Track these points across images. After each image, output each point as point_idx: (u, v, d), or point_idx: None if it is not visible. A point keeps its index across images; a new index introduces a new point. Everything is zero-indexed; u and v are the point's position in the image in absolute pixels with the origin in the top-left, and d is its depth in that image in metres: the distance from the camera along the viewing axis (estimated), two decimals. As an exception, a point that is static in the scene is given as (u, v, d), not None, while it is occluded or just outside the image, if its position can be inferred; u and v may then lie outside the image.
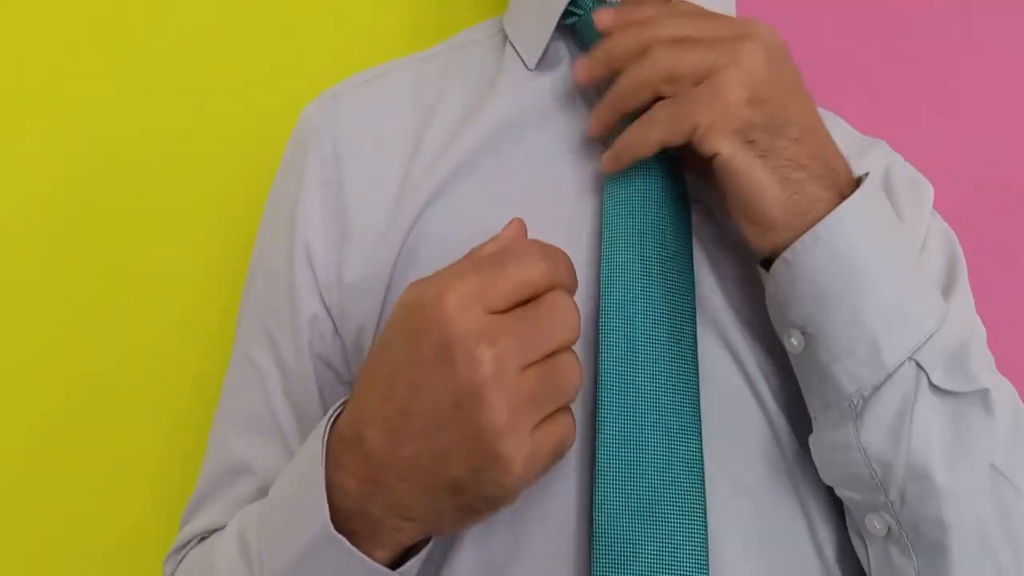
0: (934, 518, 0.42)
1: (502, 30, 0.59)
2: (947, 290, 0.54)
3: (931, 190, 0.58)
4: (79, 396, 0.73)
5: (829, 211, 0.43)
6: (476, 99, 0.55)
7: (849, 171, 0.45)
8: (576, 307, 0.41)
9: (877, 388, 0.42)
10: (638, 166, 0.48)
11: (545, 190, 0.51)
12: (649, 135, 0.45)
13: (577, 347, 0.42)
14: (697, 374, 0.46)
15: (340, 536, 0.41)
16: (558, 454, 0.41)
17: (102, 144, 0.74)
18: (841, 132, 0.58)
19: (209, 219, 0.75)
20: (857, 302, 0.42)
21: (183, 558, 0.54)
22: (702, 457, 0.45)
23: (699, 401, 0.46)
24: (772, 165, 0.43)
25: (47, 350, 0.73)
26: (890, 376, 0.42)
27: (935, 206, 0.58)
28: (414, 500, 0.41)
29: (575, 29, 0.54)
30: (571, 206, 0.50)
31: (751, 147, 0.43)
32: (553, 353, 0.41)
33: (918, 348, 0.42)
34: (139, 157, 0.74)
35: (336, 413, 0.44)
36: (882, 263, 0.43)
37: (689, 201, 0.50)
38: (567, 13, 0.54)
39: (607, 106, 0.47)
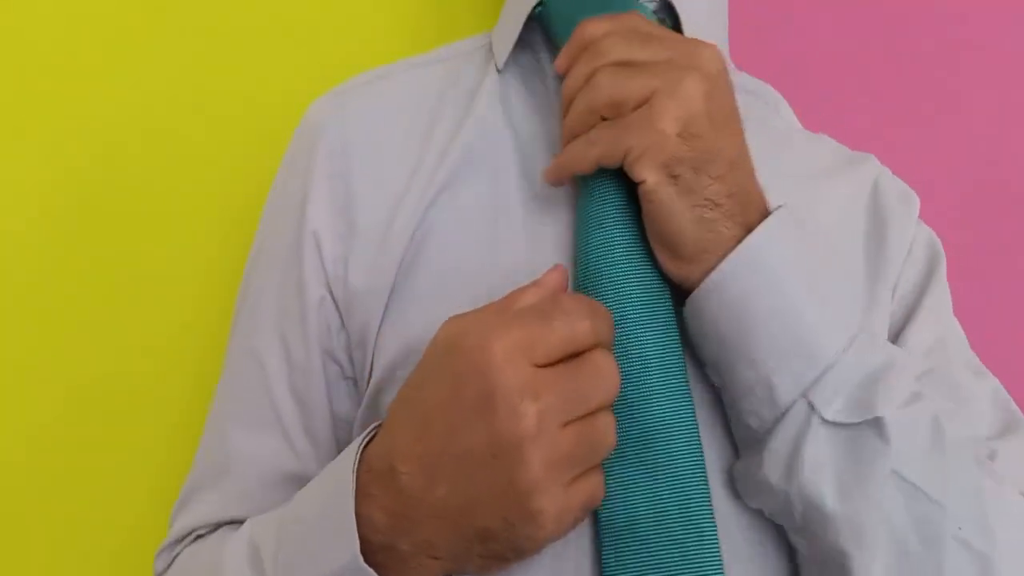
0: (833, 545, 0.44)
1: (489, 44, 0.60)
2: (920, 290, 0.55)
3: (918, 201, 0.59)
4: (79, 396, 0.73)
5: (733, 249, 0.44)
6: (467, 106, 0.55)
7: (763, 204, 0.46)
8: (616, 368, 0.42)
9: (774, 424, 0.44)
10: (604, 181, 0.49)
11: (539, 197, 0.52)
12: (587, 153, 0.46)
13: None
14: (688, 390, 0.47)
15: (370, 569, 0.41)
16: (587, 509, 0.42)
17: (102, 144, 0.74)
18: (828, 150, 0.60)
19: (209, 219, 0.74)
20: (750, 346, 0.44)
21: (177, 555, 0.54)
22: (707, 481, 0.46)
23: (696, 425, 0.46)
24: (690, 203, 0.44)
25: (47, 350, 0.73)
26: (784, 413, 0.44)
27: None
28: (443, 540, 0.41)
29: (540, 20, 0.55)
30: (565, 212, 0.51)
31: (674, 182, 0.44)
32: (593, 412, 0.41)
33: (810, 386, 0.43)
34: (139, 157, 0.74)
35: (366, 441, 0.44)
36: (777, 304, 0.44)
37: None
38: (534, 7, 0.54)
39: (565, 138, 0.48)
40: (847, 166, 0.58)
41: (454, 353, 0.41)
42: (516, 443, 0.39)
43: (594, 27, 0.48)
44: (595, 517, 0.45)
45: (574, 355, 0.41)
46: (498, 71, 0.56)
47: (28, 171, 0.72)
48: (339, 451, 0.54)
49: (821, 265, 0.46)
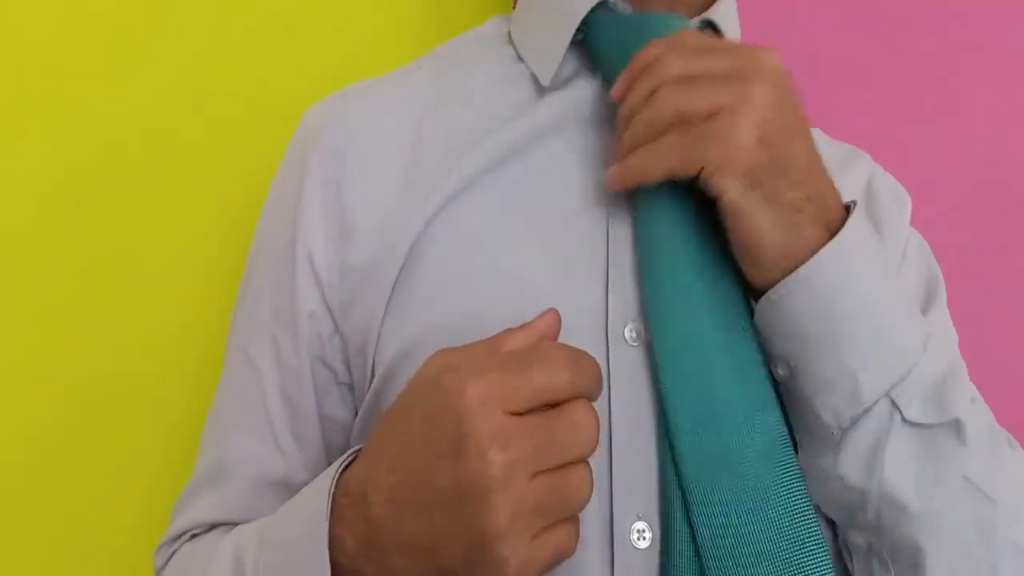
0: (909, 540, 0.45)
1: (505, 33, 0.59)
2: (924, 310, 0.55)
3: (910, 201, 0.59)
4: (78, 396, 0.73)
5: (818, 250, 0.44)
6: (488, 109, 0.55)
7: (839, 203, 0.47)
8: (596, 420, 0.41)
9: (854, 422, 0.45)
10: (664, 196, 0.48)
11: (559, 208, 0.51)
12: (660, 162, 0.46)
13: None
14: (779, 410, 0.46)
15: None
16: (556, 561, 0.41)
17: (102, 144, 0.73)
18: (822, 146, 0.59)
19: (209, 219, 0.74)
20: (836, 342, 0.44)
21: (175, 552, 0.54)
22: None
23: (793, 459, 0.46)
24: (775, 210, 0.45)
25: (46, 350, 0.72)
26: (867, 411, 0.44)
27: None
28: (407, 572, 0.41)
29: (586, 46, 0.54)
30: (586, 226, 0.51)
31: (757, 190, 0.44)
32: (566, 464, 0.40)
33: (894, 385, 0.44)
34: (139, 157, 0.74)
35: (345, 464, 0.44)
36: (864, 301, 0.45)
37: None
38: (578, 29, 0.54)
39: (624, 148, 0.48)
40: (841, 166, 0.58)
41: (435, 390, 0.41)
42: (482, 490, 0.38)
43: (650, 49, 0.48)
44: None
45: (553, 405, 0.41)
46: (543, 87, 0.55)
47: (27, 171, 0.72)
48: (329, 456, 0.55)
49: (889, 264, 0.48)
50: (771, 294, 0.45)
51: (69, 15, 0.73)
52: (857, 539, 0.47)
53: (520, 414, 0.40)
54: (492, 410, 0.39)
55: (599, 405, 0.44)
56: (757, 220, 0.45)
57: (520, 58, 0.56)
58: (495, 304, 0.49)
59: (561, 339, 0.48)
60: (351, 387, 0.54)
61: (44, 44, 0.73)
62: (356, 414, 0.54)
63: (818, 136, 0.61)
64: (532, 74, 0.55)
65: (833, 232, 0.45)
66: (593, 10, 0.53)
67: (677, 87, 0.45)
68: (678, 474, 0.45)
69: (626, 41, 0.51)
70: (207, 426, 0.58)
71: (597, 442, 0.41)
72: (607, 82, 0.53)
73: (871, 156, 0.62)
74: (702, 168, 0.44)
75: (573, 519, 0.42)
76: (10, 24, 0.72)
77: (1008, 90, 0.77)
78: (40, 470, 0.72)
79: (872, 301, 0.44)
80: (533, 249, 0.50)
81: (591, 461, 0.42)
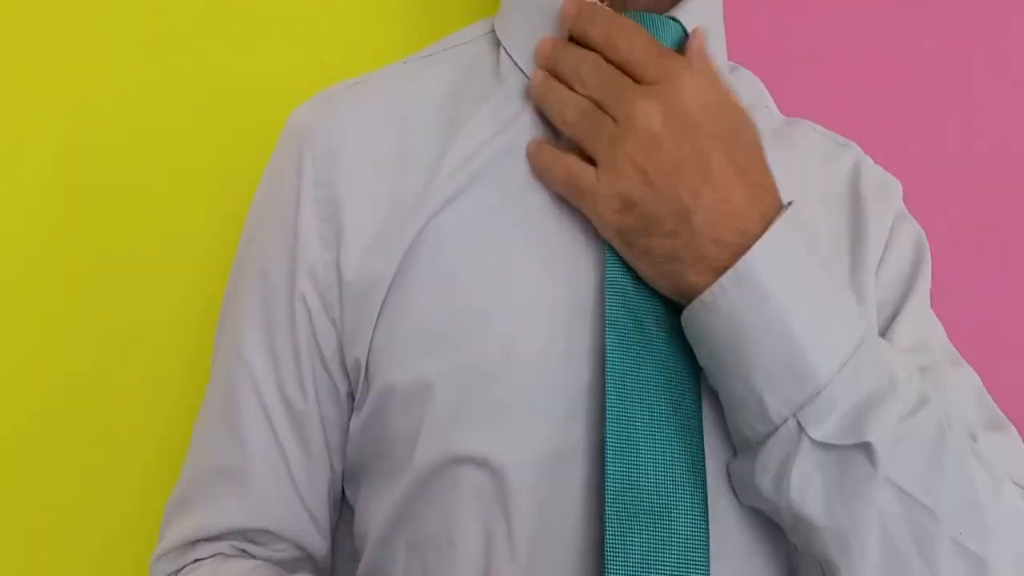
0: (822, 555, 0.45)
1: (492, 33, 0.59)
2: (902, 298, 0.56)
3: (899, 189, 0.59)
4: (68, 393, 0.72)
5: (706, 289, 0.45)
6: (477, 110, 0.54)
7: (752, 218, 0.46)
8: None
9: (766, 438, 0.45)
10: None
11: (552, 209, 0.51)
12: (550, 176, 0.51)
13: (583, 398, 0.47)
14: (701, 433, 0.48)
15: None
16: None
17: (96, 143, 0.73)
18: (809, 140, 0.60)
19: (208, 219, 0.74)
20: (744, 362, 0.45)
21: (183, 569, 0.54)
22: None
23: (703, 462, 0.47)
24: (649, 262, 0.47)
25: (34, 348, 0.72)
26: (775, 430, 0.45)
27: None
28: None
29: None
30: (580, 228, 0.51)
31: (629, 248, 0.48)
32: None
33: (802, 406, 0.44)
34: (136, 157, 0.73)
35: None
36: (770, 323, 0.44)
37: None
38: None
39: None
40: (826, 158, 0.59)
41: None
42: None
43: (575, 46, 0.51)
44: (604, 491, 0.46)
45: None
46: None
47: (20, 169, 0.72)
48: (331, 459, 0.55)
49: (823, 273, 0.47)
50: (684, 313, 0.47)
51: (69, 15, 0.73)
52: (793, 542, 0.48)
53: None
54: None
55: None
56: (639, 269, 0.48)
57: (510, 56, 0.56)
58: (488, 309, 0.49)
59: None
60: (349, 393, 0.54)
61: (43, 44, 0.72)
62: (352, 414, 0.54)
63: (804, 128, 0.61)
64: (521, 73, 0.55)
65: (720, 272, 0.45)
66: None
67: (575, 113, 0.49)
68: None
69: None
70: (199, 431, 0.57)
71: None
72: None
73: (870, 156, 0.62)
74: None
75: None
76: (10, 24, 0.72)
77: (1009, 90, 0.77)
78: (29, 469, 0.72)
79: (779, 323, 0.44)
80: (526, 252, 0.50)
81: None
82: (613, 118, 0.47)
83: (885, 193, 0.58)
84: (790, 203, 0.47)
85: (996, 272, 0.77)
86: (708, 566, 0.45)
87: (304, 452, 0.54)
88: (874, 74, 0.78)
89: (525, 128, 0.53)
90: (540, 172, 0.51)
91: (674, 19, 0.53)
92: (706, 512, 0.46)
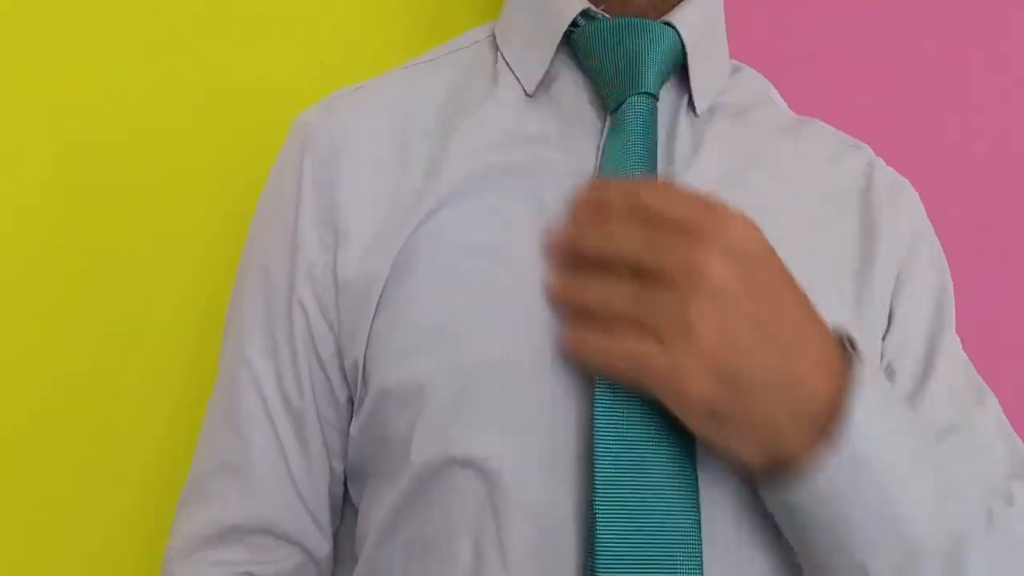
0: None
1: (492, 39, 0.59)
2: (932, 349, 0.54)
3: (913, 195, 0.58)
4: (68, 395, 0.72)
5: (811, 448, 0.41)
6: (476, 115, 0.55)
7: (828, 385, 0.42)
8: None
9: None
10: None
11: (548, 214, 0.51)
12: (609, 363, 0.45)
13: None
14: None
15: None
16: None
17: (96, 143, 0.73)
18: (819, 137, 0.59)
19: (201, 218, 0.74)
20: (842, 534, 0.42)
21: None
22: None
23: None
24: (744, 434, 0.43)
25: (38, 349, 0.72)
26: None
27: (934, 207, 0.58)
28: None
29: (571, 46, 0.55)
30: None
31: (720, 422, 0.43)
32: None
33: (903, 567, 0.42)
34: (133, 155, 0.73)
35: None
36: (871, 494, 0.41)
37: None
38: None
39: (573, 312, 0.47)
40: (838, 156, 0.58)
41: None
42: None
43: (606, 200, 0.46)
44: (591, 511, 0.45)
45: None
46: (528, 95, 0.55)
47: (26, 170, 0.72)
48: (330, 459, 0.55)
49: (909, 420, 0.44)
50: (768, 494, 0.44)
51: (69, 15, 0.73)
52: None
53: None
54: None
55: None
56: (729, 448, 0.43)
57: (507, 63, 0.57)
58: (481, 309, 0.49)
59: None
60: (349, 399, 0.54)
61: (43, 44, 0.72)
62: (352, 418, 0.54)
63: (815, 126, 0.60)
64: (518, 80, 0.56)
65: (831, 407, 0.41)
66: (580, 15, 0.54)
67: (631, 225, 0.43)
68: None
69: (608, 46, 0.52)
70: (205, 427, 0.58)
71: None
72: (592, 85, 0.54)
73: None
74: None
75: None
76: (10, 24, 0.72)
77: (1009, 90, 0.77)
78: (30, 467, 0.72)
79: (882, 490, 0.41)
80: (521, 255, 0.50)
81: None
82: (667, 282, 0.42)
83: (896, 196, 0.57)
84: (849, 338, 0.45)
85: (996, 272, 0.77)
86: (701, 568, 0.44)
87: (303, 452, 0.54)
88: (874, 74, 0.78)
89: (520, 133, 0.53)
90: (595, 366, 0.46)
91: (669, 25, 0.53)
92: (698, 513, 0.45)
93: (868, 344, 0.53)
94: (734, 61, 0.61)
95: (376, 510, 0.52)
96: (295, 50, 0.76)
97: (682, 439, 0.46)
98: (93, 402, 0.73)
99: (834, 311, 0.47)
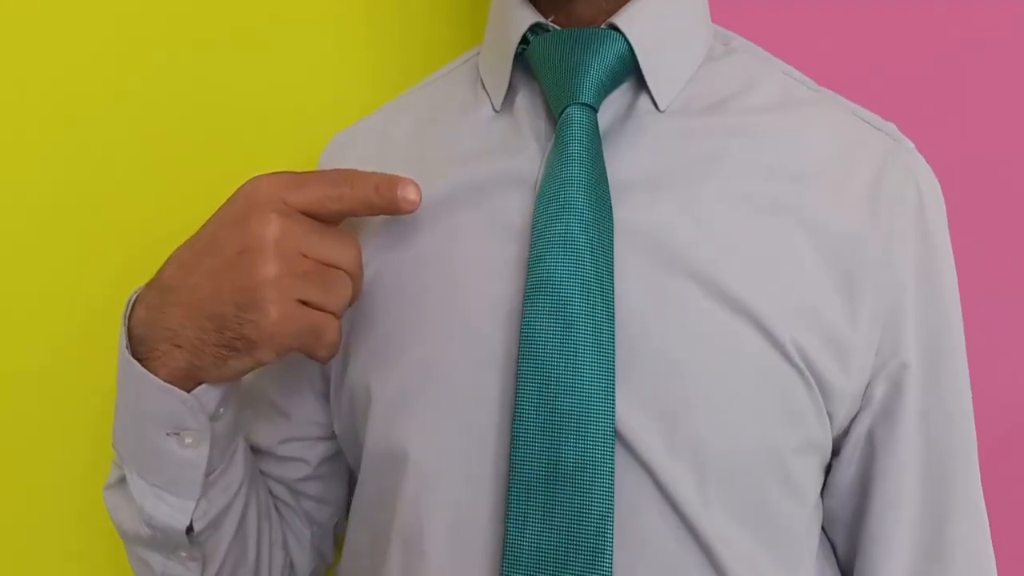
0: None
1: (474, 58, 0.62)
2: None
3: (925, 207, 0.54)
4: (68, 394, 0.73)
5: None
6: (448, 134, 0.58)
7: None
8: (357, 246, 0.50)
9: None
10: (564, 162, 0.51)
11: (494, 223, 0.53)
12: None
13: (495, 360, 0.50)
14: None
15: (131, 357, 0.48)
16: (313, 335, 0.48)
17: (95, 143, 0.73)
18: (833, 127, 0.54)
19: (201, 218, 0.74)
20: None
21: None
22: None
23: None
24: None
25: (38, 348, 0.72)
26: None
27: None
28: (183, 328, 0.47)
29: (524, 60, 0.56)
30: (514, 234, 0.52)
31: None
32: (330, 265, 0.48)
33: None
34: (133, 155, 0.74)
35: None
36: None
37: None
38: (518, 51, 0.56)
39: None
40: (855, 144, 0.54)
41: (234, 192, 0.49)
42: (259, 243, 0.46)
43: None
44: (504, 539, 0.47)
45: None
46: (496, 111, 0.57)
47: (26, 170, 0.72)
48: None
49: None
50: None
51: (68, 15, 0.73)
52: None
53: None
54: (275, 192, 0.47)
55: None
56: None
57: (482, 81, 0.59)
58: (424, 318, 0.53)
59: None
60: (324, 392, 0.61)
61: (43, 44, 0.73)
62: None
63: (838, 102, 0.57)
64: (488, 96, 0.58)
65: None
66: (530, 30, 0.55)
67: None
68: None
69: (551, 59, 0.53)
70: None
71: (358, 263, 0.50)
72: (543, 94, 0.55)
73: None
74: None
75: (335, 319, 0.49)
76: (10, 24, 0.72)
77: (1009, 90, 0.77)
78: (30, 467, 0.73)
79: None
80: (466, 263, 0.53)
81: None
82: None
83: (902, 206, 0.53)
84: None
85: (996, 272, 0.77)
86: (611, 567, 0.46)
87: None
88: (873, 74, 0.78)
89: (483, 149, 0.56)
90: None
91: (614, 28, 0.53)
92: (611, 511, 0.46)
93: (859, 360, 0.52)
94: (732, 37, 0.59)
95: (352, 500, 0.59)
96: (294, 50, 0.76)
97: (601, 441, 0.47)
98: (93, 402, 0.73)
99: (808, 298, 0.50)
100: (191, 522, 0.52)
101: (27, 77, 0.72)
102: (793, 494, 0.51)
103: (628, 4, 0.54)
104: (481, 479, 0.49)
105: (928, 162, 0.57)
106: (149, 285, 0.50)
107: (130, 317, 0.49)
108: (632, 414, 0.48)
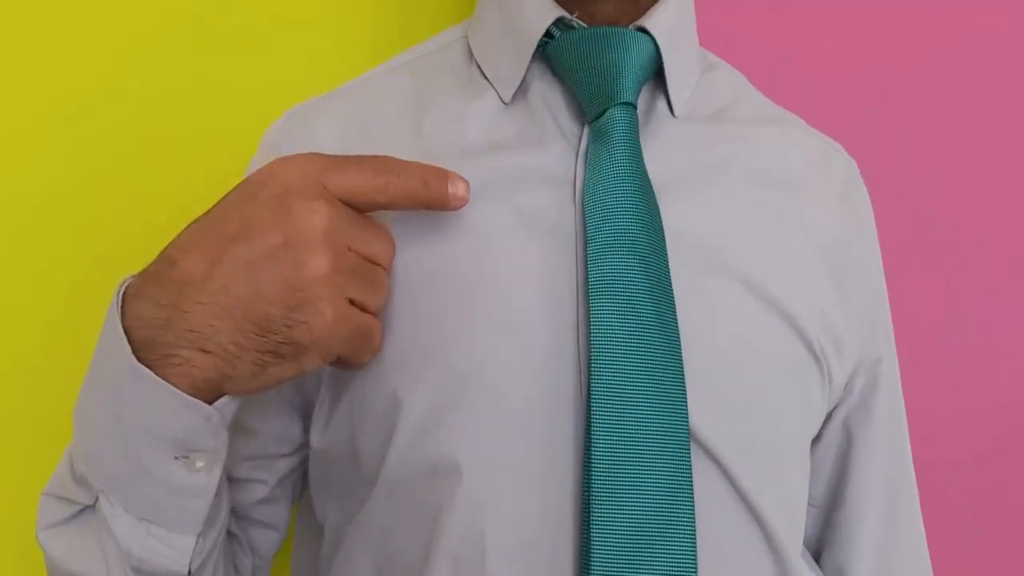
0: None
1: (466, 44, 0.59)
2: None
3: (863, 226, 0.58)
4: (68, 394, 0.72)
5: None
6: (449, 124, 0.54)
7: None
8: (392, 240, 0.45)
9: None
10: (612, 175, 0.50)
11: (522, 219, 0.50)
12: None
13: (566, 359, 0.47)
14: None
15: (137, 363, 0.40)
16: (364, 337, 0.43)
17: (94, 143, 0.73)
18: (803, 134, 0.58)
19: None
20: None
21: None
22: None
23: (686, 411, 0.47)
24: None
25: (38, 349, 0.72)
26: None
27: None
28: (213, 330, 0.40)
29: (546, 55, 0.54)
30: (550, 232, 0.50)
31: None
32: (371, 259, 0.43)
33: None
34: (132, 155, 0.74)
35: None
36: None
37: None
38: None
39: None
40: (820, 159, 0.58)
41: (258, 172, 0.43)
42: (309, 235, 0.40)
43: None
44: (585, 511, 0.46)
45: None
46: (504, 104, 0.54)
47: (25, 170, 0.72)
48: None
49: None
50: None
51: (68, 15, 0.73)
52: None
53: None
54: (315, 176, 0.41)
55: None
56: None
57: (482, 72, 0.56)
58: (460, 320, 0.49)
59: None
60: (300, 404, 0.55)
61: (43, 44, 0.72)
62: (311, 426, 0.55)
63: (798, 124, 0.60)
64: (494, 89, 0.55)
65: None
66: (553, 24, 0.53)
67: None
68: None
69: (584, 57, 0.51)
70: None
71: (393, 259, 0.45)
72: (567, 93, 0.54)
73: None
74: None
75: (377, 318, 0.44)
76: (10, 24, 0.72)
77: (1009, 90, 0.77)
78: (30, 467, 0.72)
79: None
80: (497, 262, 0.50)
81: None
82: None
83: (865, 212, 0.59)
84: None
85: (996, 272, 0.76)
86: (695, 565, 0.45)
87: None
88: (873, 75, 0.78)
89: (496, 142, 0.53)
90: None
91: (643, 31, 0.53)
92: (694, 528, 0.45)
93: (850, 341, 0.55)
94: (708, 55, 0.61)
95: (343, 521, 0.52)
96: (292, 50, 0.76)
97: (682, 452, 0.46)
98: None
99: (817, 298, 0.52)
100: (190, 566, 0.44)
101: (27, 76, 0.72)
102: (806, 482, 0.54)
103: (653, 7, 0.54)
104: (549, 489, 0.46)
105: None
106: (150, 276, 0.41)
107: (125, 315, 0.41)
108: (703, 415, 0.48)
